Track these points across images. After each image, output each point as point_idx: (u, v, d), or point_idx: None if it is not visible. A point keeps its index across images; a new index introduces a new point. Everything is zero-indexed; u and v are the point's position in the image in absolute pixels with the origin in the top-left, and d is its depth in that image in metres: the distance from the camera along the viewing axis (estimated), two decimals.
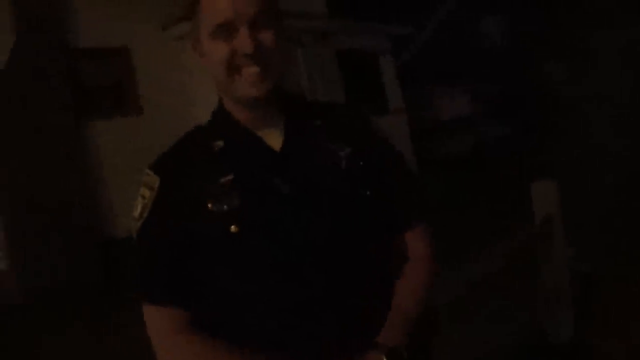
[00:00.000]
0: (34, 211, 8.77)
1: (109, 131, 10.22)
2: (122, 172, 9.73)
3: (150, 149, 1.83)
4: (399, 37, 16.88)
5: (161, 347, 1.71)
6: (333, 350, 1.66)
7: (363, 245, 1.76)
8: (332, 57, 13.70)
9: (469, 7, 22.50)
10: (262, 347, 1.65)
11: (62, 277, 8.74)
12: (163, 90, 10.97)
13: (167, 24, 11.05)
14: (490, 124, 17.99)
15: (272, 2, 1.71)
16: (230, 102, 1.79)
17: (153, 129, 10.02)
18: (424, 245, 1.89)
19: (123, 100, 10.81)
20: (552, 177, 5.14)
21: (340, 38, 14.01)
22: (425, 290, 1.84)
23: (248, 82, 1.67)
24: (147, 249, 1.73)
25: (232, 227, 1.65)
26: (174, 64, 11.08)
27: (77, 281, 8.81)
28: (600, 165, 10.21)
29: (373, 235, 1.79)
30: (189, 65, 10.90)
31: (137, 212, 1.74)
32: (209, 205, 1.68)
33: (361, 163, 1.80)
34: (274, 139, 1.77)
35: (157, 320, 1.71)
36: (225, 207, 1.67)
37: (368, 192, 1.78)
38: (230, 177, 1.71)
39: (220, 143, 1.77)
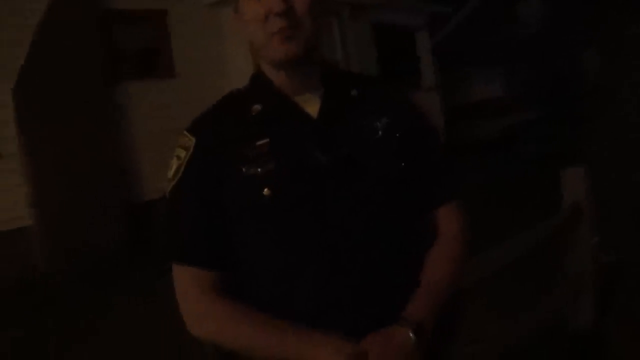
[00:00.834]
0: (63, 172, 8.80)
1: (141, 94, 10.23)
2: (152, 135, 9.77)
3: (181, 114, 1.84)
4: (437, 15, 16.77)
5: (187, 307, 1.72)
6: (363, 321, 1.65)
7: (398, 217, 1.75)
8: (368, 31, 13.64)
9: None
10: (290, 316, 1.65)
11: (89, 239, 8.78)
12: (197, 55, 10.97)
13: None
14: (522, 108, 17.85)
15: None
16: (268, 67, 1.78)
17: (185, 93, 10.03)
18: (457, 221, 1.87)
19: (156, 63, 10.82)
20: (582, 165, 5.10)
21: (377, 12, 13.92)
22: (455, 268, 1.82)
23: (278, 41, 1.66)
24: (178, 209, 1.74)
25: (265, 190, 1.65)
26: (209, 30, 11.08)
27: (104, 243, 8.85)
28: (631, 155, 10.11)
29: (408, 207, 1.78)
30: (224, 31, 10.91)
31: (171, 172, 1.75)
32: (243, 168, 1.68)
33: (397, 134, 1.79)
34: (312, 106, 1.76)
35: (184, 280, 1.72)
36: (259, 170, 1.67)
37: (403, 164, 1.77)
38: (266, 140, 1.70)
39: (257, 107, 1.76)
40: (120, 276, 7.87)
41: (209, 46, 11.12)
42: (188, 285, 1.71)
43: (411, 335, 1.60)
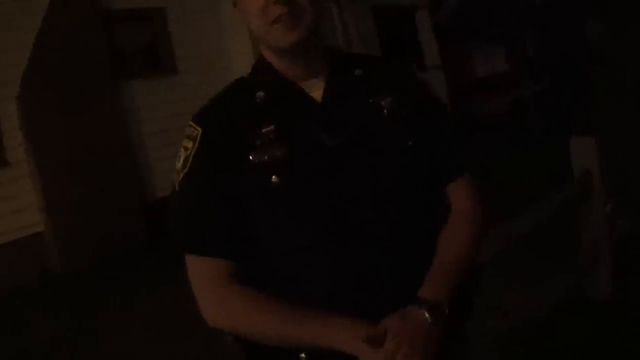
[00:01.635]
0: (72, 173, 8.82)
1: (145, 91, 10.24)
2: (158, 131, 9.78)
3: (186, 109, 1.84)
4: None
5: (203, 298, 1.72)
6: (379, 299, 1.65)
7: (408, 196, 1.74)
8: (368, 13, 13.59)
9: None
10: (307, 298, 1.65)
11: (105, 239, 8.81)
12: (199, 50, 10.98)
13: None
14: (528, 81, 17.78)
15: None
16: (270, 54, 1.77)
17: (189, 88, 10.04)
18: (470, 196, 1.86)
19: (158, 61, 10.82)
20: (592, 134, 5.09)
21: None
22: (471, 243, 1.81)
23: (281, 29, 1.64)
24: (188, 200, 1.73)
25: (273, 177, 1.65)
26: (209, 24, 11.07)
27: (119, 242, 8.88)
28: (638, 122, 10.07)
29: (418, 186, 1.76)
30: (225, 24, 10.90)
31: (179, 164, 1.74)
32: (251, 156, 1.67)
33: (403, 112, 1.77)
34: (316, 91, 1.75)
35: (199, 271, 1.72)
36: (266, 157, 1.66)
37: (411, 142, 1.75)
38: (271, 127, 1.69)
39: (261, 94, 1.75)
40: (138, 274, 7.90)
41: (209, 40, 11.11)
42: (203, 275, 1.71)
43: (427, 316, 1.60)
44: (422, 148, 1.77)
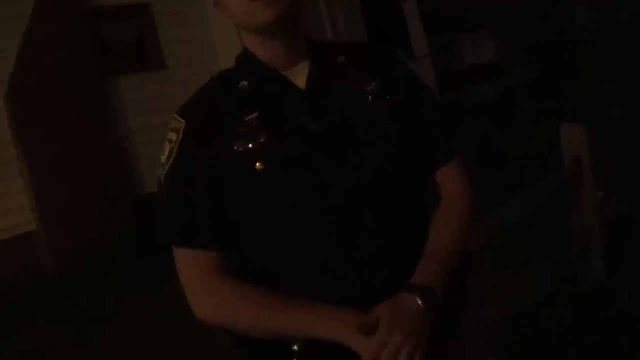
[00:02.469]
0: (62, 171, 8.80)
1: (134, 88, 10.21)
2: (148, 127, 9.75)
3: (175, 104, 1.82)
4: None
5: (192, 290, 1.71)
6: (370, 284, 1.65)
7: (394, 180, 1.73)
8: (356, 4, 13.57)
9: None
10: (297, 286, 1.65)
11: (96, 236, 8.79)
12: (186, 45, 10.94)
13: None
14: (517, 68, 17.79)
15: None
16: (252, 41, 1.76)
17: (178, 83, 10.00)
18: (461, 180, 1.85)
19: (146, 56, 10.78)
20: (581, 120, 5.10)
21: None
22: (462, 228, 1.80)
23: (260, 5, 1.62)
24: (174, 192, 1.72)
25: (257, 164, 1.64)
26: (196, 18, 11.03)
27: (111, 239, 8.86)
28: (628, 106, 10.09)
29: (406, 171, 1.76)
30: (212, 18, 10.86)
31: (164, 156, 1.74)
32: (234, 145, 1.67)
33: (388, 97, 1.77)
34: (299, 78, 1.74)
35: (187, 264, 1.71)
36: (250, 144, 1.66)
37: (397, 126, 1.74)
38: (254, 114, 1.69)
39: (244, 83, 1.74)
40: (129, 270, 7.90)
41: (197, 35, 11.06)
42: (191, 268, 1.70)
43: (419, 301, 1.59)
44: (407, 132, 1.76)
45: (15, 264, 8.39)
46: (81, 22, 9.47)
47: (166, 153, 1.73)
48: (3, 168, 8.68)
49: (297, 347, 1.66)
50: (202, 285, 1.69)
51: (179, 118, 1.75)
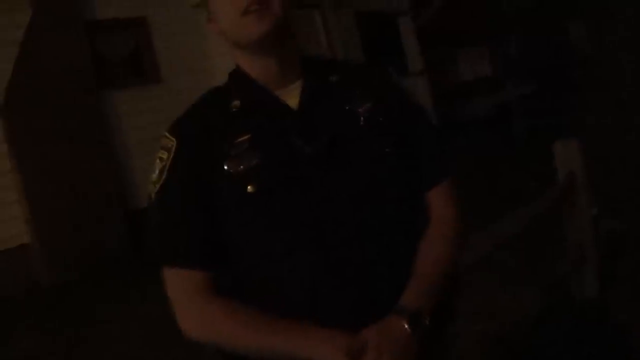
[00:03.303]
0: (58, 183, 8.79)
1: (129, 101, 10.22)
2: (143, 141, 9.76)
3: (170, 117, 1.82)
4: None
5: (182, 310, 1.70)
6: (361, 311, 1.64)
7: (386, 203, 1.72)
8: (351, 20, 13.60)
9: None
10: (286, 308, 1.64)
11: (90, 249, 8.77)
12: (181, 58, 10.96)
13: None
14: (512, 83, 17.83)
15: None
16: (244, 58, 1.77)
17: (173, 96, 10.00)
18: (450, 202, 1.84)
19: (142, 70, 10.79)
20: (575, 136, 5.12)
21: (358, 0, 13.87)
22: (450, 253, 1.79)
23: (252, 19, 1.64)
24: (164, 211, 1.71)
25: (249, 187, 1.64)
26: (191, 32, 11.05)
27: (104, 252, 8.85)
28: (623, 120, 10.12)
29: (396, 193, 1.75)
30: (207, 32, 10.88)
31: (155, 175, 1.73)
32: (226, 166, 1.66)
33: (381, 119, 1.76)
34: (292, 98, 1.74)
35: (177, 283, 1.70)
36: (242, 166, 1.66)
37: (388, 149, 1.74)
38: (247, 136, 1.68)
39: (237, 103, 1.74)
40: (124, 281, 7.89)
41: (192, 47, 11.08)
42: (180, 288, 1.69)
43: (406, 326, 1.59)
44: (400, 155, 1.76)
45: (10, 275, 8.37)
46: (78, 35, 9.48)
47: (157, 171, 1.73)
48: None
49: None
50: (191, 304, 1.69)
51: (170, 136, 1.74)
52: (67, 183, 8.85)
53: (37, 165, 8.70)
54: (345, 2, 13.22)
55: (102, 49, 10.26)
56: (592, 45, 16.65)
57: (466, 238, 1.88)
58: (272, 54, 1.73)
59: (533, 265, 5.45)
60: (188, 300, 1.69)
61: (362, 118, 1.75)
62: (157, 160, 1.74)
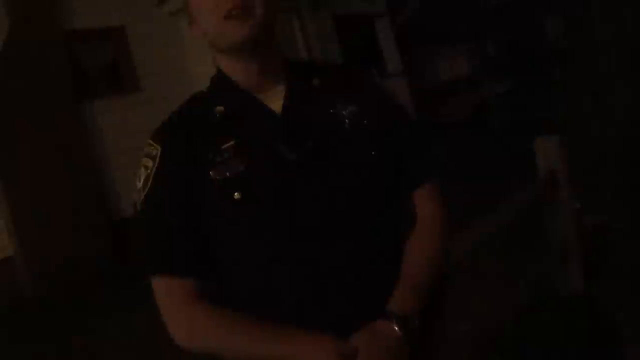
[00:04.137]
0: (40, 195, 8.76)
1: (109, 110, 10.19)
2: (123, 150, 9.73)
3: (151, 126, 1.82)
4: None
5: (171, 319, 1.69)
6: (348, 315, 1.64)
7: (372, 206, 1.73)
8: (329, 22, 13.62)
9: None
10: (274, 313, 1.64)
11: (73, 261, 8.73)
12: (161, 67, 10.94)
13: None
14: (491, 82, 17.89)
15: None
16: (227, 62, 1.77)
17: (153, 105, 9.98)
18: (435, 204, 1.85)
19: (121, 79, 10.76)
20: (556, 132, 5.14)
21: (336, 2, 13.89)
22: (437, 253, 1.79)
23: (234, 23, 1.64)
24: (151, 220, 1.71)
25: (235, 194, 1.63)
26: (170, 40, 11.04)
27: (88, 263, 8.81)
28: (603, 118, 10.17)
29: (383, 196, 1.76)
30: (186, 40, 10.87)
31: (140, 184, 1.72)
32: (211, 173, 1.66)
33: (365, 121, 1.77)
34: (275, 102, 1.74)
35: (165, 292, 1.69)
36: (227, 173, 1.65)
37: (374, 152, 1.74)
38: (231, 143, 1.68)
39: (220, 108, 1.74)
40: (107, 291, 7.87)
41: (171, 55, 11.07)
42: (169, 296, 1.69)
43: (397, 329, 1.59)
44: (385, 157, 1.76)
45: None
46: (56, 45, 9.45)
47: (142, 180, 1.72)
48: None
49: None
50: (181, 313, 1.68)
51: (154, 144, 1.74)
52: (50, 195, 8.82)
53: (20, 177, 8.67)
54: (323, 4, 13.23)
55: (81, 58, 10.25)
56: (570, 41, 16.71)
57: (450, 237, 1.87)
58: (254, 58, 1.72)
59: (517, 262, 5.46)
60: (177, 308, 1.68)
61: (346, 121, 1.76)
62: (142, 168, 1.73)
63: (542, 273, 4.99)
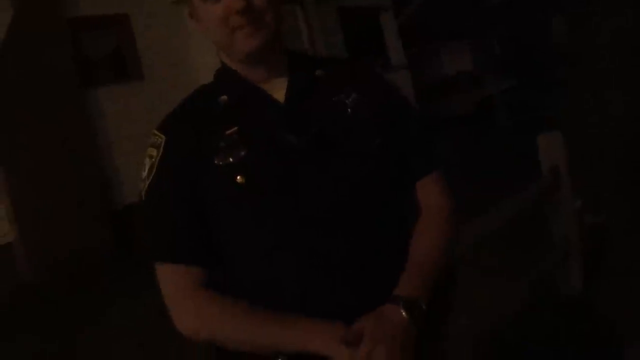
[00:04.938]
0: (42, 183, 8.75)
1: (112, 98, 10.19)
2: (126, 138, 9.74)
3: (153, 115, 1.82)
4: None
5: (175, 307, 1.69)
6: (352, 305, 1.63)
7: (378, 192, 1.72)
8: (333, 15, 13.60)
9: None
10: (278, 300, 1.64)
11: (74, 247, 8.73)
12: (164, 55, 10.95)
13: None
14: (494, 78, 17.87)
15: None
16: (232, 60, 1.77)
17: (156, 94, 10.00)
18: (440, 193, 1.84)
19: (124, 68, 10.76)
20: (558, 129, 5.13)
21: None
22: (443, 241, 1.79)
23: (243, 37, 1.64)
24: (155, 208, 1.71)
25: (238, 177, 1.63)
26: (173, 29, 11.03)
27: (89, 250, 8.81)
28: (603, 115, 10.16)
29: (387, 186, 1.75)
30: (189, 29, 10.87)
31: (145, 172, 1.72)
32: (215, 159, 1.66)
33: (368, 111, 1.76)
34: (278, 92, 1.74)
35: (170, 279, 1.69)
36: (230, 159, 1.65)
37: (377, 140, 1.74)
38: (235, 129, 1.68)
39: (224, 98, 1.74)
40: (109, 279, 7.87)
41: (175, 44, 11.08)
42: (174, 284, 1.68)
43: (404, 313, 1.59)
44: (388, 146, 1.76)
45: None
46: (60, 33, 9.44)
47: (147, 169, 1.72)
48: None
49: (281, 359, 1.64)
50: (185, 301, 1.67)
51: (159, 134, 1.74)
52: (51, 182, 8.81)
53: (22, 164, 8.66)
54: None
55: (85, 46, 10.24)
56: (573, 41, 16.71)
57: (457, 228, 1.87)
58: (261, 59, 1.73)
59: (517, 259, 5.45)
60: (181, 295, 1.68)
61: (349, 110, 1.76)
62: (147, 158, 1.73)
63: (542, 270, 4.98)
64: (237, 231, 1.68)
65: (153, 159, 1.71)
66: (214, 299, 1.66)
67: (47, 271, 8.46)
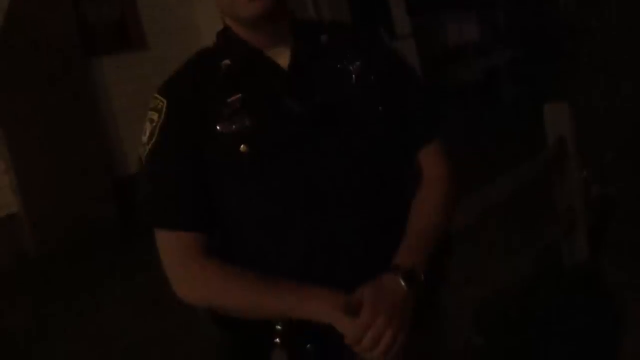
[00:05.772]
0: (45, 152, 8.74)
1: (115, 68, 10.14)
2: (130, 107, 9.71)
3: (156, 84, 1.79)
4: None
5: (175, 272, 1.68)
6: (354, 267, 1.65)
7: (380, 162, 1.72)
8: None
9: None
10: (281, 268, 1.64)
11: (78, 218, 8.73)
12: (168, 23, 10.88)
13: None
14: (500, 48, 17.78)
15: None
16: (235, 25, 1.74)
17: (160, 63, 9.92)
18: (441, 161, 1.83)
19: (128, 36, 10.71)
20: (565, 100, 5.10)
21: None
22: (442, 210, 1.78)
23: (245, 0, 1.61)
24: (156, 173, 1.69)
25: (242, 146, 1.61)
26: None
27: (93, 220, 8.81)
28: (612, 89, 10.12)
29: (390, 152, 1.75)
30: None
31: (145, 137, 1.69)
32: (218, 127, 1.64)
33: (372, 77, 1.75)
34: (282, 58, 1.71)
35: (170, 245, 1.68)
36: (233, 126, 1.63)
37: (381, 107, 1.73)
38: (238, 96, 1.66)
39: (227, 62, 1.71)
40: (112, 250, 7.87)
41: (179, 14, 11.02)
42: (173, 250, 1.67)
43: (402, 283, 1.59)
44: (393, 113, 1.75)
45: None
46: (63, 1, 9.38)
47: (147, 133, 1.69)
48: None
49: (281, 326, 1.65)
50: (184, 266, 1.66)
51: (160, 97, 1.71)
52: (54, 152, 8.79)
53: (24, 134, 8.64)
54: None
55: (88, 15, 10.17)
56: (582, 12, 16.59)
57: (458, 196, 1.87)
58: (266, 26, 1.70)
59: (523, 231, 5.45)
60: (181, 262, 1.67)
61: (353, 76, 1.74)
62: (147, 122, 1.71)
63: (548, 242, 4.97)
64: (240, 198, 1.67)
65: (154, 124, 1.68)
66: (213, 265, 1.65)
67: (50, 241, 8.47)
